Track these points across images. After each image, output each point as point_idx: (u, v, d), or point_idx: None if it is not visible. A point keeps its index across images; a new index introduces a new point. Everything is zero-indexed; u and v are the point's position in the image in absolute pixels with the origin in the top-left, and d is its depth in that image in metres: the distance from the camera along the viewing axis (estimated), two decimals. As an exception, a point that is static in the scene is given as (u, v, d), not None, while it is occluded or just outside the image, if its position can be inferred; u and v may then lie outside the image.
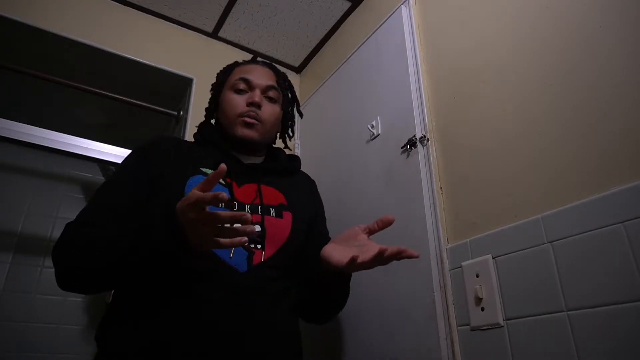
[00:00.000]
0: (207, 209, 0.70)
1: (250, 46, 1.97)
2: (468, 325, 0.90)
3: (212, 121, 1.15)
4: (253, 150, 1.07)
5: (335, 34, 1.85)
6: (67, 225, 0.86)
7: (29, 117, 1.55)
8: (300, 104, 1.24)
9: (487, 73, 1.04)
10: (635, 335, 0.65)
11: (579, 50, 0.85)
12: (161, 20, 1.82)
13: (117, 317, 0.83)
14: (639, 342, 0.64)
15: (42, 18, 1.54)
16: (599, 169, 0.77)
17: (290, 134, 1.19)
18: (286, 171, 1.10)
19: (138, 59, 1.68)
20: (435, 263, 0.99)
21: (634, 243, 0.68)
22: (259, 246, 0.90)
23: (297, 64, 2.05)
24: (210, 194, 0.67)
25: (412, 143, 1.14)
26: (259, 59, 1.20)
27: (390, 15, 1.38)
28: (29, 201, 2.23)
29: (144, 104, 1.73)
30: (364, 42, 1.49)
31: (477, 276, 0.91)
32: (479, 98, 1.05)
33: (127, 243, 0.78)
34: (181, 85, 1.80)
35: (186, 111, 1.72)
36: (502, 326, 0.84)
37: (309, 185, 1.17)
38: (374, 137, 1.31)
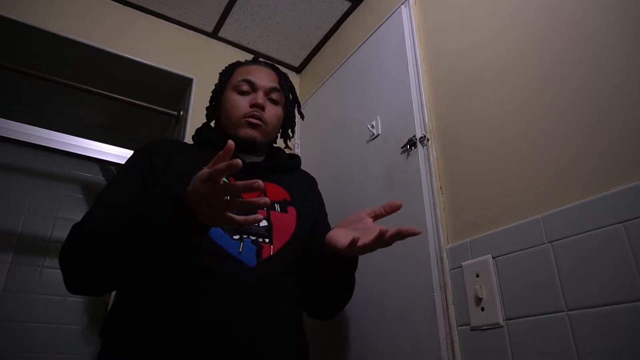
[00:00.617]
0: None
1: (250, 46, 1.97)
2: (468, 325, 0.90)
3: (212, 123, 1.16)
4: (253, 151, 1.07)
5: (335, 34, 1.85)
6: (73, 226, 0.86)
7: (29, 117, 1.55)
8: (301, 104, 1.24)
9: (487, 73, 1.04)
10: (635, 335, 0.65)
11: (579, 50, 0.85)
12: (161, 20, 1.82)
13: (123, 312, 0.83)
14: (639, 342, 0.64)
15: (42, 18, 1.54)
16: (599, 169, 0.77)
17: (291, 134, 1.20)
18: (287, 169, 1.11)
19: (138, 59, 1.68)
20: (435, 263, 0.99)
21: (634, 243, 0.68)
22: (267, 240, 0.91)
23: (297, 64, 2.05)
24: (224, 163, 0.66)
25: (412, 143, 1.14)
26: (260, 59, 1.20)
27: (390, 15, 1.38)
28: (29, 201, 2.23)
29: (144, 104, 1.73)
30: (364, 42, 1.49)
31: (477, 276, 0.91)
32: (479, 98, 1.05)
33: (129, 225, 0.77)
34: (181, 85, 1.80)
35: (186, 111, 1.72)
36: (502, 326, 0.84)
37: (310, 182, 1.18)
38: (374, 137, 1.31)
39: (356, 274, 1.12)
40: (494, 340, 0.84)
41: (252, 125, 1.02)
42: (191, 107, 1.71)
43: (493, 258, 0.89)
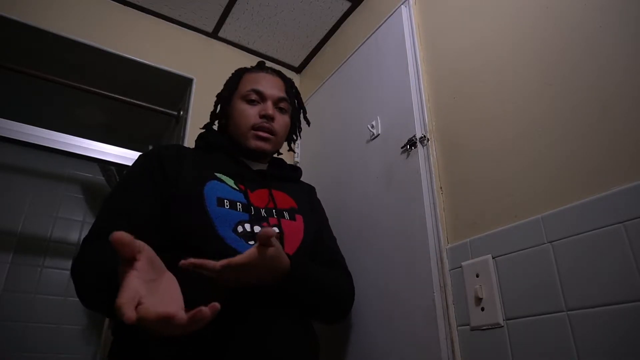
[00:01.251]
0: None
1: (250, 46, 1.97)
2: (468, 325, 0.90)
3: (214, 126, 1.16)
4: (261, 158, 1.09)
5: (335, 34, 1.85)
6: (84, 240, 0.84)
7: (29, 117, 1.55)
8: (306, 110, 1.24)
9: (487, 73, 1.04)
10: (635, 335, 0.65)
11: (579, 50, 0.85)
12: (161, 20, 1.82)
13: None
14: (639, 342, 0.64)
15: (42, 18, 1.54)
16: (599, 169, 0.77)
17: (294, 138, 1.22)
18: (291, 179, 1.14)
19: (138, 59, 1.68)
20: (435, 263, 0.99)
21: (634, 243, 0.68)
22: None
23: (297, 64, 2.05)
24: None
25: (412, 143, 1.14)
26: (267, 65, 1.19)
27: (390, 16, 1.38)
28: (29, 201, 2.23)
29: (144, 104, 1.73)
30: (364, 42, 1.49)
31: (477, 276, 0.91)
32: (479, 98, 1.05)
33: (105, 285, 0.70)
34: (181, 85, 1.80)
35: (186, 111, 1.72)
36: (502, 326, 0.84)
37: (311, 192, 1.20)
38: (374, 137, 1.31)
39: (356, 274, 1.12)
40: (494, 340, 0.84)
41: (262, 139, 1.04)
42: (191, 107, 1.71)
43: (493, 258, 0.89)
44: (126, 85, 1.78)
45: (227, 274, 0.73)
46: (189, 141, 1.61)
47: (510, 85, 0.97)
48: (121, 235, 0.55)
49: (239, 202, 0.93)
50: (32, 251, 2.16)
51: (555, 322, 0.75)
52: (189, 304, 0.78)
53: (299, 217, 1.02)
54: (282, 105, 1.09)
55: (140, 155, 1.01)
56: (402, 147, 1.17)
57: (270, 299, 0.87)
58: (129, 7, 1.75)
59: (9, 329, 1.98)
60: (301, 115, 1.22)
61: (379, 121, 1.31)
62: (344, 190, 1.38)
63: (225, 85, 1.15)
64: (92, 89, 1.62)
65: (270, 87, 1.08)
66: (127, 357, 0.79)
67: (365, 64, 1.46)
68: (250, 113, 1.05)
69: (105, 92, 1.64)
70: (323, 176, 1.51)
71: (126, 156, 1.59)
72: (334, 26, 1.84)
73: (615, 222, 0.70)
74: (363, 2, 1.69)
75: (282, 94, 1.09)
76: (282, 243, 0.92)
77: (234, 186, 0.96)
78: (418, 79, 1.21)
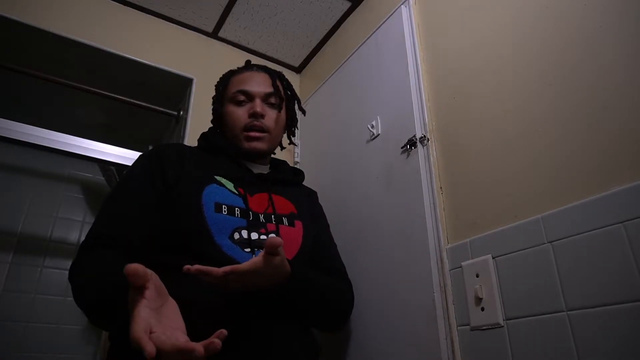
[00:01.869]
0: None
1: (250, 46, 1.97)
2: (468, 325, 0.90)
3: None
4: (260, 158, 1.09)
5: (335, 34, 1.85)
6: (82, 247, 0.84)
7: (29, 117, 1.55)
8: (300, 100, 1.24)
9: (487, 73, 1.04)
10: (635, 335, 0.65)
11: (579, 50, 0.85)
12: (161, 20, 1.82)
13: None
14: (639, 342, 0.64)
15: (42, 18, 1.54)
16: (599, 169, 0.77)
17: (293, 130, 1.20)
18: (292, 183, 1.12)
19: (138, 59, 1.68)
20: (435, 263, 0.99)
21: (634, 243, 0.68)
22: None
23: (297, 64, 2.05)
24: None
25: (412, 143, 1.14)
26: (252, 63, 1.19)
27: (390, 15, 1.38)
28: (29, 201, 2.23)
29: (144, 104, 1.73)
30: (364, 42, 1.49)
31: (477, 276, 0.91)
32: (479, 98, 1.05)
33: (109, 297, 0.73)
34: (181, 85, 1.80)
35: (186, 111, 1.72)
36: (502, 326, 0.84)
37: (312, 196, 1.19)
38: (374, 137, 1.31)
39: (356, 274, 1.12)
40: (494, 340, 0.84)
41: (255, 139, 1.03)
42: (191, 107, 1.71)
43: (493, 258, 0.89)
44: (126, 85, 1.78)
45: (231, 280, 0.74)
46: (189, 141, 1.61)
47: (510, 85, 0.97)
48: (136, 268, 0.57)
49: (238, 207, 0.92)
50: (32, 251, 2.16)
51: (555, 322, 0.75)
52: (190, 312, 0.78)
53: (298, 224, 1.01)
54: (271, 100, 1.07)
55: (140, 156, 1.00)
56: (402, 147, 1.17)
57: (271, 309, 0.86)
58: (129, 7, 1.75)
59: (9, 329, 1.98)
60: (296, 106, 1.19)
61: (379, 121, 1.30)
62: (344, 190, 1.38)
63: (215, 89, 1.15)
64: (92, 89, 1.62)
65: (256, 84, 1.07)
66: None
67: (365, 64, 1.46)
68: (239, 115, 1.04)
69: (105, 92, 1.64)
70: (323, 176, 1.51)
71: (126, 156, 1.59)
72: (334, 26, 1.84)
73: (615, 222, 0.70)
74: (363, 2, 1.69)
75: (269, 89, 1.08)
76: None
77: (234, 190, 0.96)
78: (418, 79, 1.21)
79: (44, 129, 1.48)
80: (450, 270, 0.98)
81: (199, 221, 0.86)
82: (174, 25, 1.85)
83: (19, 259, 2.12)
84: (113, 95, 1.66)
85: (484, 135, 1.01)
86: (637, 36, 0.76)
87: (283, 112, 1.11)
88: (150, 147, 1.97)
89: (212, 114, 1.14)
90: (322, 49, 1.94)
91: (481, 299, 0.88)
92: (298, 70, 2.08)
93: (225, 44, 1.95)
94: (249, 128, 1.03)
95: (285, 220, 0.98)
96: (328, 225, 1.18)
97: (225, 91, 1.10)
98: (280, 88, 1.12)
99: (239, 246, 0.87)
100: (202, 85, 1.77)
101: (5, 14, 1.47)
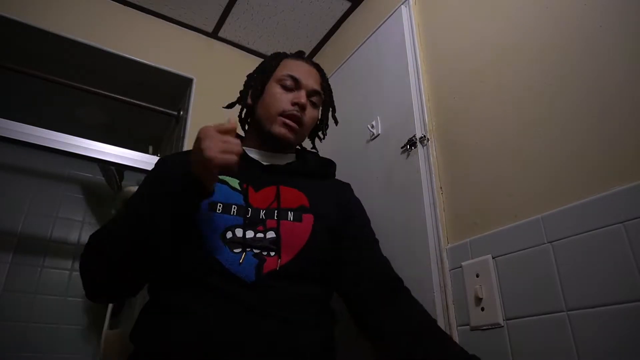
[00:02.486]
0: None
1: (250, 46, 1.97)
2: (468, 325, 0.90)
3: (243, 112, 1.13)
4: (283, 148, 1.05)
5: (335, 34, 1.85)
6: (91, 235, 0.85)
7: (29, 117, 1.55)
8: (336, 109, 1.20)
9: (487, 73, 1.04)
10: (635, 335, 0.65)
11: (579, 50, 0.85)
12: (161, 20, 1.82)
13: (142, 320, 0.84)
14: (639, 342, 0.64)
15: (42, 18, 1.54)
16: (599, 169, 0.77)
17: (322, 136, 1.17)
18: (311, 174, 1.06)
19: (138, 59, 1.68)
20: (435, 263, 0.99)
21: (634, 243, 0.68)
22: (272, 253, 0.85)
23: (297, 64, 2.05)
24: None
25: (412, 143, 1.14)
26: (305, 55, 1.16)
27: (390, 15, 1.38)
28: (29, 201, 2.23)
29: (144, 104, 1.73)
30: (364, 42, 1.49)
31: (477, 276, 0.91)
32: (478, 98, 1.05)
33: (146, 208, 0.81)
34: (181, 85, 1.80)
35: (186, 111, 1.72)
36: (502, 326, 0.84)
37: (342, 189, 1.10)
38: (374, 137, 1.31)
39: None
40: (494, 340, 0.84)
41: (289, 127, 1.00)
42: (191, 107, 1.71)
43: (493, 258, 0.89)
44: (126, 85, 1.78)
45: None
46: (189, 141, 1.61)
47: (510, 85, 0.97)
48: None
49: (235, 204, 0.89)
50: (32, 251, 2.16)
51: (555, 322, 0.75)
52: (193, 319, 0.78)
53: (307, 217, 0.93)
54: (314, 99, 1.05)
55: (157, 160, 1.03)
56: (402, 147, 1.17)
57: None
58: (129, 7, 1.75)
59: (9, 329, 1.98)
60: (329, 113, 1.16)
61: (379, 121, 1.31)
62: (344, 190, 1.37)
63: (260, 66, 1.12)
64: (92, 89, 1.62)
65: (308, 77, 1.05)
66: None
67: (365, 64, 1.46)
68: (283, 98, 1.01)
69: (105, 92, 1.64)
70: (323, 176, 1.50)
71: (126, 156, 1.59)
72: (334, 26, 1.84)
73: (615, 222, 0.70)
74: (363, 2, 1.69)
75: (317, 87, 1.06)
76: (277, 249, 0.86)
77: (237, 187, 0.93)
78: (418, 79, 1.21)
79: (44, 129, 1.48)
80: (450, 270, 0.98)
81: (191, 222, 0.85)
82: (174, 25, 1.85)
83: (19, 259, 2.11)
84: (113, 95, 1.66)
85: (484, 135, 1.01)
86: (637, 36, 0.76)
87: (319, 113, 1.10)
88: (151, 147, 1.98)
89: (248, 85, 1.10)
90: (322, 49, 1.94)
91: (481, 299, 0.88)
92: (298, 70, 2.08)
93: (225, 44, 1.95)
94: (288, 115, 1.00)
95: (290, 214, 0.92)
96: (369, 220, 1.07)
97: (275, 70, 1.07)
98: (325, 90, 1.11)
99: (227, 246, 0.84)
100: (202, 85, 1.77)
101: (5, 14, 1.47)
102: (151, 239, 0.79)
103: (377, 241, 1.03)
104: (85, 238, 2.28)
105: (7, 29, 1.52)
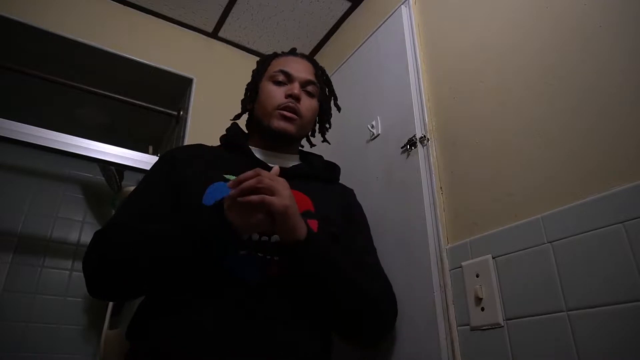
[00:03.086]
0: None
1: (250, 46, 1.97)
2: (468, 325, 0.90)
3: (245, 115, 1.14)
4: (286, 145, 1.05)
5: (335, 34, 1.85)
6: (96, 231, 0.85)
7: (29, 117, 1.55)
8: (337, 97, 1.22)
9: (486, 73, 1.04)
10: (635, 335, 0.65)
11: (578, 50, 0.85)
12: (161, 20, 1.82)
13: (141, 317, 0.84)
14: (639, 342, 0.64)
15: (43, 18, 1.54)
16: (599, 169, 0.77)
17: (328, 126, 1.18)
18: (318, 178, 1.06)
19: (138, 59, 1.68)
20: (435, 263, 0.99)
21: (634, 243, 0.68)
22: (276, 257, 0.85)
23: (297, 64, 2.05)
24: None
25: (412, 143, 1.14)
26: (297, 51, 1.17)
27: (390, 15, 1.38)
28: (29, 201, 2.23)
29: (144, 104, 1.73)
30: (364, 42, 1.49)
31: (477, 276, 0.91)
32: (478, 98, 1.05)
33: (170, 234, 0.79)
34: (181, 85, 1.80)
35: (186, 111, 1.72)
36: (502, 326, 0.84)
37: (346, 195, 1.11)
38: (374, 137, 1.31)
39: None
40: (494, 340, 0.84)
41: (287, 119, 1.00)
42: (191, 107, 1.71)
43: (493, 258, 0.89)
44: (126, 85, 1.78)
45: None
46: (189, 141, 1.61)
47: (510, 85, 0.97)
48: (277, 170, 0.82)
49: None
50: (32, 251, 2.16)
51: (555, 322, 0.75)
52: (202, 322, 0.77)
53: (311, 223, 0.90)
54: (309, 88, 1.06)
55: (159, 157, 1.03)
56: (402, 147, 1.17)
57: (277, 306, 0.82)
58: (129, 7, 1.75)
59: (9, 329, 1.98)
60: (332, 102, 1.16)
61: (379, 121, 1.31)
62: (344, 190, 1.37)
63: (254, 70, 1.13)
64: (92, 89, 1.62)
65: (299, 69, 1.06)
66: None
67: (365, 63, 1.46)
68: (276, 93, 1.02)
69: (105, 92, 1.64)
70: (323, 176, 1.50)
71: (126, 156, 1.59)
72: (334, 26, 1.84)
73: (615, 222, 0.70)
74: (363, 2, 1.69)
75: (311, 77, 1.07)
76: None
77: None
78: (418, 79, 1.21)
79: (44, 129, 1.48)
80: (450, 270, 0.98)
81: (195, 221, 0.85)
82: (174, 25, 1.85)
83: (19, 259, 2.11)
84: (113, 95, 1.66)
85: (484, 135, 1.01)
86: (637, 36, 0.76)
87: (317, 103, 1.10)
88: (151, 147, 1.97)
89: (247, 91, 1.12)
90: (322, 49, 1.94)
91: (481, 299, 0.88)
92: (298, 70, 2.08)
93: (225, 44, 1.95)
94: (283, 107, 1.01)
95: None
96: (367, 228, 1.08)
97: (266, 69, 1.09)
98: (321, 80, 1.11)
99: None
100: (202, 85, 1.77)
101: (5, 14, 1.47)
102: (172, 262, 0.79)
103: (369, 251, 1.03)
104: (85, 238, 2.29)
105: (7, 29, 1.52)
